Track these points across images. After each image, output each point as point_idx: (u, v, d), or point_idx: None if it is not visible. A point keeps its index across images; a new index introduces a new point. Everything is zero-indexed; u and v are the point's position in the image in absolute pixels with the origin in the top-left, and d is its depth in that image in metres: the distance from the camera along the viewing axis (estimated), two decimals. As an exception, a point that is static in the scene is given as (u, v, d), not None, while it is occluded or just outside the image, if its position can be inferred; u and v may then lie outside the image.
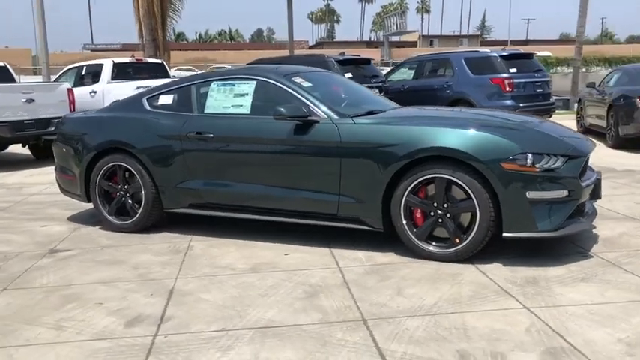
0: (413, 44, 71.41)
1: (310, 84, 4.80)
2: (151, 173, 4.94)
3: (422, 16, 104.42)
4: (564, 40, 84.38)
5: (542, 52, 30.66)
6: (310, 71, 5.34)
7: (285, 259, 4.28)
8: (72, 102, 10.36)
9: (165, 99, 5.13)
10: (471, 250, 4.01)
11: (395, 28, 55.96)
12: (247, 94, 4.78)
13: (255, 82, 4.80)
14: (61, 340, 3.05)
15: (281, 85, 4.70)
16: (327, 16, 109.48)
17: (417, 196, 4.12)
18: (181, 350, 2.90)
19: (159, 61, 12.50)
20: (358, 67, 11.80)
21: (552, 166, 3.90)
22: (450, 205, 4.04)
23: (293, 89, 4.64)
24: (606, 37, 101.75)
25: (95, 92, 11.22)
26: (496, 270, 3.89)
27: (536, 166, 3.86)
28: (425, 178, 4.05)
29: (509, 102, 10.96)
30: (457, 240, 4.03)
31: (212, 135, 4.71)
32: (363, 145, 4.21)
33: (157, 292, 3.70)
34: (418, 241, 4.13)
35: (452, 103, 11.35)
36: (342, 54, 12.55)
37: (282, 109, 4.39)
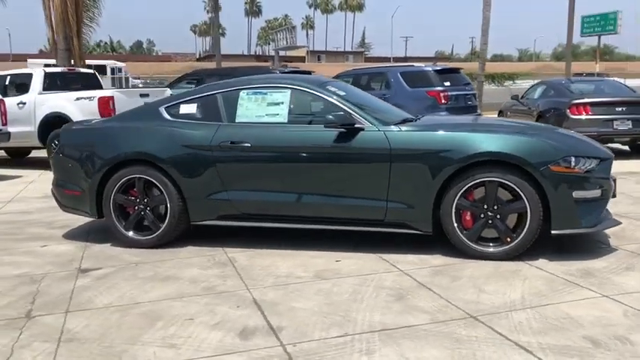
0: (301, 59, 72.70)
1: (344, 92, 4.89)
2: (178, 185, 4.76)
3: (307, 32, 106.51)
4: (440, 57, 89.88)
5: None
6: (333, 80, 5.42)
7: (341, 265, 4.31)
8: (3, 114, 9.61)
9: (188, 108, 4.97)
10: (521, 249, 4.28)
11: (285, 42, 56.79)
12: (282, 102, 4.77)
13: (289, 90, 4.80)
14: (187, 358, 2.90)
15: (320, 94, 4.74)
16: (212, 29, 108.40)
17: (467, 199, 4.34)
18: (323, 357, 2.87)
19: (91, 71, 11.84)
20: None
21: (589, 168, 4.28)
22: (501, 207, 4.29)
23: (333, 98, 4.70)
24: (474, 55, 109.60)
25: (24, 103, 10.40)
26: (547, 265, 4.19)
27: (579, 167, 4.22)
28: (478, 181, 4.27)
29: (444, 114, 11.57)
30: (508, 239, 4.29)
31: (249, 144, 4.64)
32: (415, 151, 4.37)
33: (241, 304, 3.60)
34: (470, 242, 4.34)
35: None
36: (285, 66, 12.65)
37: (332, 117, 4.45)
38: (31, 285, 4.06)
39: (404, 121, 4.76)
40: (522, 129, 4.77)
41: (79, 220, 5.83)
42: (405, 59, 74.12)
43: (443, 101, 11.71)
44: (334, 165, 4.55)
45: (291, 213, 4.69)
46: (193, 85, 12.15)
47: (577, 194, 4.21)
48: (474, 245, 4.35)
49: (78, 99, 9.83)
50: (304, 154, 4.59)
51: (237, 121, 4.82)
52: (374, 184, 4.46)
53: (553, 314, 3.32)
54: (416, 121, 4.84)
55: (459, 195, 4.31)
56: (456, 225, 4.35)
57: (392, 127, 4.53)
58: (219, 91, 4.97)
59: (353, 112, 4.58)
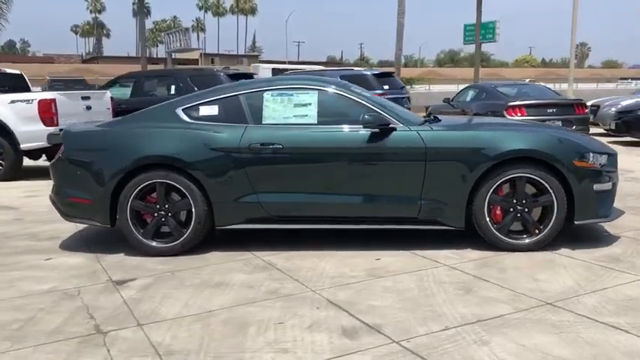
0: (195, 61, 71.17)
1: (368, 94, 4.96)
2: (204, 188, 4.60)
3: (197, 35, 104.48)
4: (331, 62, 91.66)
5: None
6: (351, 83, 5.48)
7: (384, 263, 4.37)
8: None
9: (209, 110, 4.81)
10: (548, 240, 4.57)
11: (179, 44, 55.40)
12: (310, 103, 4.75)
13: (317, 92, 4.79)
14: (312, 361, 2.85)
15: (349, 95, 4.78)
16: (96, 29, 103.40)
17: (497, 194, 4.57)
18: (446, 351, 2.93)
19: (17, 71, 10.93)
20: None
21: (603, 162, 4.66)
22: (529, 201, 4.56)
23: (362, 99, 4.76)
24: (363, 61, 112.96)
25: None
26: (574, 254, 4.50)
27: (596, 162, 4.59)
28: (510, 177, 4.51)
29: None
30: (537, 231, 4.57)
31: (281, 145, 4.58)
32: (450, 149, 4.53)
33: (319, 305, 3.57)
34: (501, 235, 4.57)
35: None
36: (227, 68, 12.43)
37: (369, 117, 4.51)
38: (72, 300, 3.76)
39: (425, 122, 4.91)
40: (541, 127, 5.09)
41: (66, 230, 5.47)
42: (300, 63, 74.99)
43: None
44: (369, 165, 4.60)
45: (322, 214, 4.68)
46: (128, 89, 11.66)
47: (596, 187, 4.57)
48: (506, 238, 4.58)
49: (13, 102, 9.07)
50: (337, 155, 4.61)
51: (264, 122, 4.73)
52: (408, 183, 4.57)
53: (620, 297, 3.60)
54: (437, 121, 4.98)
55: (491, 191, 4.53)
56: (488, 219, 4.56)
57: (424, 126, 4.67)
58: (242, 92, 4.85)
59: (383, 113, 4.66)
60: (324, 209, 4.67)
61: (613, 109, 13.70)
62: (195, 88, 9.86)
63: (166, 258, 4.61)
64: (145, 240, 4.68)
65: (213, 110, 4.81)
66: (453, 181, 4.53)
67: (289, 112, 4.74)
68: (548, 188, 4.51)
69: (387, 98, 11.82)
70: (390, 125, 4.58)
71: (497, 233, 4.57)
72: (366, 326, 3.24)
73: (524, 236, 4.61)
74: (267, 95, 4.80)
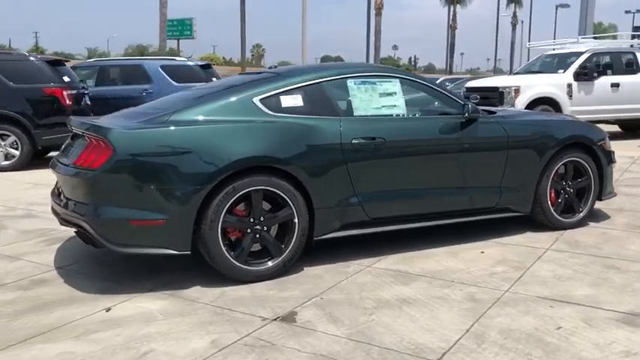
0: None
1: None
2: (307, 193, 3.87)
3: None
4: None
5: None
6: None
7: (502, 256, 4.25)
8: None
9: (291, 100, 4.01)
10: (587, 216, 5.09)
11: None
12: (395, 92, 4.35)
13: (397, 80, 4.40)
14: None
15: (427, 84, 4.53)
16: None
17: (553, 179, 4.90)
18: None
19: None
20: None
21: (609, 144, 5.37)
22: (574, 183, 5.01)
23: (441, 88, 4.58)
24: (38, 50, 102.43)
25: None
26: (609, 226, 5.09)
27: (609, 144, 5.27)
28: (566, 161, 4.88)
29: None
30: (580, 209, 5.05)
31: (384, 139, 4.12)
32: (527, 137, 4.69)
33: (553, 304, 3.38)
34: (557, 216, 4.93)
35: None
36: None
37: (470, 107, 4.38)
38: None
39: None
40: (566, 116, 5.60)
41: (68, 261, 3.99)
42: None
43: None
44: (463, 156, 4.46)
45: (417, 211, 4.37)
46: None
47: (611, 166, 5.26)
48: (560, 218, 4.94)
49: None
50: (435, 147, 4.36)
51: (355, 114, 4.17)
52: (493, 172, 4.59)
53: None
54: (493, 113, 5.03)
55: (552, 174, 4.83)
56: (549, 202, 4.86)
57: (496, 116, 4.72)
58: (323, 79, 4.17)
59: (461, 101, 4.57)
60: (418, 206, 4.36)
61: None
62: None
63: (275, 281, 3.75)
64: (238, 264, 3.71)
65: (296, 100, 4.04)
66: (527, 168, 4.70)
67: (376, 102, 4.28)
68: (589, 170, 5.02)
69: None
70: (480, 115, 4.52)
71: (555, 214, 4.90)
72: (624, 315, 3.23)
73: (570, 215, 5.03)
74: (350, 83, 4.24)
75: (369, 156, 4.09)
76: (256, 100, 3.92)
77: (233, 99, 3.93)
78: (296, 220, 3.83)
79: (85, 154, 3.61)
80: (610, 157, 5.19)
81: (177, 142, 3.59)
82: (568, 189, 4.98)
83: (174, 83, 11.16)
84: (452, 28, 46.55)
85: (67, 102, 8.99)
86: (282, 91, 4.02)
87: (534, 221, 4.93)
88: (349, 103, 4.20)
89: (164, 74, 11.19)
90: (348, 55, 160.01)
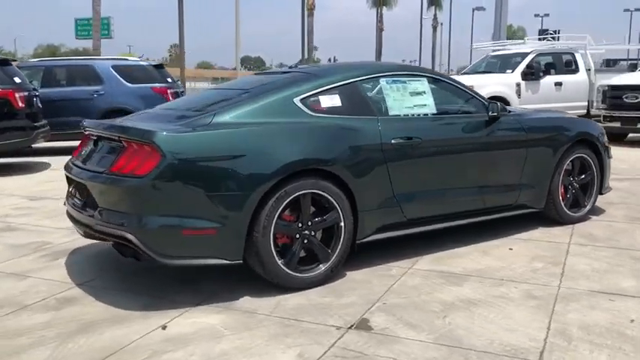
0: None
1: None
2: (354, 196, 3.76)
3: None
4: None
5: None
6: None
7: (531, 252, 4.31)
8: None
9: (330, 100, 3.88)
10: (591, 210, 5.26)
11: None
12: (424, 92, 4.31)
13: (425, 79, 4.37)
14: None
15: (452, 83, 4.53)
16: None
17: (563, 175, 5.03)
18: None
19: None
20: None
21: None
22: (579, 178, 5.16)
23: (464, 86, 4.58)
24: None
25: None
26: (615, 219, 5.29)
27: (606, 140, 5.47)
28: (574, 157, 5.02)
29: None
30: (585, 204, 5.21)
31: (420, 139, 4.07)
32: (542, 134, 4.78)
33: (612, 298, 3.44)
34: (567, 210, 5.06)
35: (108, 113, 10.32)
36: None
37: (496, 106, 4.42)
38: (380, 360, 2.70)
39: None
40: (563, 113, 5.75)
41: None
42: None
43: (171, 98, 10.99)
44: (493, 154, 4.51)
45: (449, 210, 4.35)
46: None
47: (609, 161, 5.46)
48: (569, 212, 5.08)
49: None
50: (466, 146, 4.37)
51: (390, 114, 4.10)
52: (514, 170, 4.64)
53: None
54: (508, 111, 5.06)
55: (563, 170, 4.96)
56: (560, 197, 4.98)
57: (514, 114, 4.78)
58: (357, 78, 4.06)
59: (482, 99, 4.60)
60: (451, 205, 4.35)
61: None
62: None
63: (325, 288, 3.62)
64: (290, 271, 3.54)
65: (335, 100, 3.91)
66: (543, 165, 4.79)
67: (408, 101, 4.22)
68: (592, 165, 5.19)
69: (173, 92, 10.97)
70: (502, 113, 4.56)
71: (565, 209, 5.03)
72: (683, 303, 3.34)
73: (577, 209, 5.18)
74: (383, 83, 4.16)
75: (406, 156, 4.02)
76: (297, 100, 3.77)
77: (274, 100, 3.75)
78: (342, 224, 3.71)
79: (124, 160, 3.33)
80: (609, 152, 5.39)
81: (228, 146, 3.37)
82: (575, 184, 5.12)
83: (127, 84, 10.68)
84: (379, 29, 47.29)
85: (20, 104, 8.38)
86: (321, 91, 3.89)
87: (546, 217, 5.03)
88: (384, 103, 4.12)
89: (116, 75, 10.66)
90: (268, 56, 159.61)
